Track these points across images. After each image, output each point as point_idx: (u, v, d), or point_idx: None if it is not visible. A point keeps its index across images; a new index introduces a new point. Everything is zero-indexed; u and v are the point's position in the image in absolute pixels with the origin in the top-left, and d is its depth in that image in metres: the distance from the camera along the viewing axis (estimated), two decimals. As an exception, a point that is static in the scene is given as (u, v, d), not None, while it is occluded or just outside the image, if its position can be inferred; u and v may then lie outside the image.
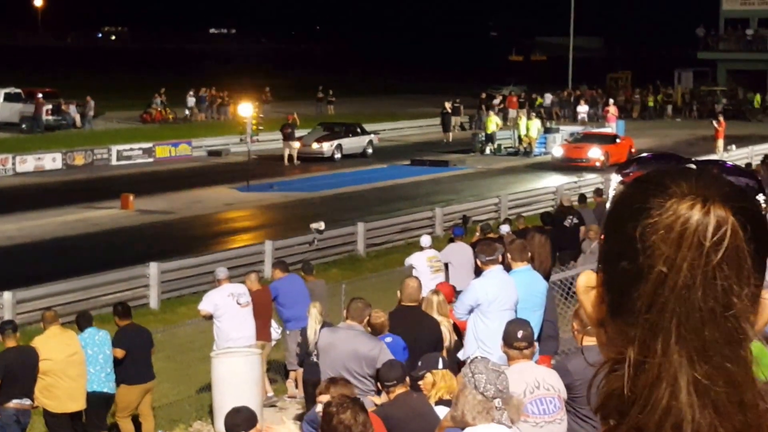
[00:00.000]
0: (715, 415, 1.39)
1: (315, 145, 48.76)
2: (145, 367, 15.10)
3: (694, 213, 1.41)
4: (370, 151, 50.94)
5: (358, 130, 51.60)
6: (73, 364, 14.07)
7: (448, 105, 58.56)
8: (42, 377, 13.89)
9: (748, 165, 34.44)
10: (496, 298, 11.57)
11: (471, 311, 11.82)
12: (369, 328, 11.36)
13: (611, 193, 1.57)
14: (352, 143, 50.29)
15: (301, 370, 15.35)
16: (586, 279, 1.54)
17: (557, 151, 47.24)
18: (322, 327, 14.21)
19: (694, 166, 1.51)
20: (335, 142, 49.33)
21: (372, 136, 52.02)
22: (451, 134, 57.65)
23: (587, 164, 44.26)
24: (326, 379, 9.29)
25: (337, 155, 49.02)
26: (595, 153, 45.21)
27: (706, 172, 1.48)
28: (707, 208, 1.41)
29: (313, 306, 14.61)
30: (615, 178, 1.61)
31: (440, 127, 59.15)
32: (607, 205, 1.53)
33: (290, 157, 47.96)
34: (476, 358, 7.16)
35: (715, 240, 1.40)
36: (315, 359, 14.48)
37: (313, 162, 47.81)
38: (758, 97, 74.49)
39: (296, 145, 48.08)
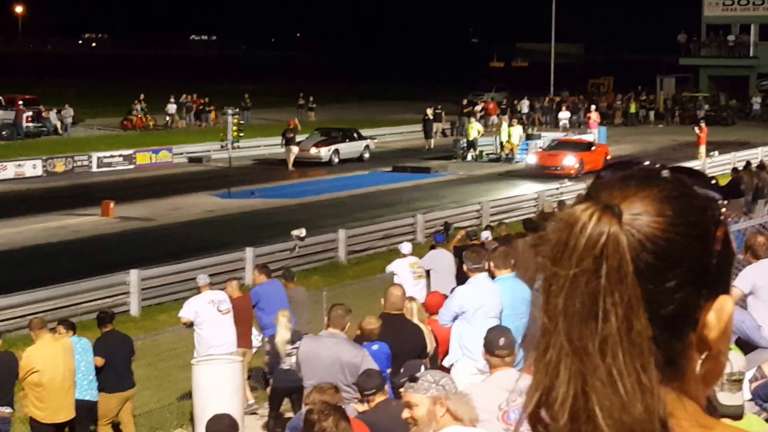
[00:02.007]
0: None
1: (313, 150, 49.24)
2: (124, 375, 15.04)
3: (579, 222, 1.40)
4: (367, 155, 51.42)
5: (355, 135, 52.26)
6: (65, 375, 14.00)
7: (429, 111, 58.65)
8: (34, 387, 13.82)
9: (734, 170, 34.47)
10: (481, 305, 11.56)
11: (455, 318, 11.81)
12: (359, 332, 11.35)
13: None
14: (349, 148, 50.80)
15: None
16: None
17: (531, 159, 46.62)
18: (293, 335, 14.20)
19: (634, 173, 1.47)
20: (332, 147, 49.87)
21: (368, 141, 52.63)
22: (432, 141, 57.69)
23: (562, 172, 43.64)
24: (314, 386, 9.27)
25: (335, 160, 49.51)
26: (570, 161, 44.55)
27: (634, 179, 1.45)
28: (597, 217, 1.40)
29: (281, 314, 14.60)
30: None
31: (421, 133, 59.23)
32: None
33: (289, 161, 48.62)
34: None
35: (592, 247, 1.39)
36: (284, 366, 14.49)
37: (310, 167, 48.24)
38: (735, 101, 75.19)
39: (295, 150, 48.61)
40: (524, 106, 71.94)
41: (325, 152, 49.42)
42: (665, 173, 1.47)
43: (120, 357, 14.93)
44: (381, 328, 11.92)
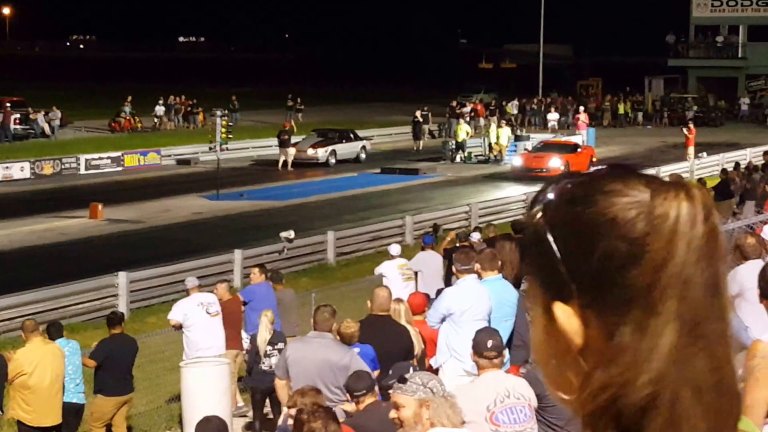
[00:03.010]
0: (695, 396, 1.42)
1: (310, 151, 49.60)
2: (122, 379, 14.97)
3: (682, 202, 1.44)
4: (363, 156, 51.73)
5: (351, 135, 52.65)
6: (53, 379, 13.96)
7: (418, 113, 58.69)
8: (21, 390, 13.79)
9: (723, 171, 34.54)
10: (469, 307, 11.55)
11: (443, 320, 11.80)
12: (338, 337, 11.33)
13: (537, 219, 1.53)
14: (345, 149, 51.19)
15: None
16: (565, 309, 1.48)
17: (516, 161, 46.48)
18: (272, 337, 14.19)
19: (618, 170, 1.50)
20: (329, 148, 50.24)
21: (365, 141, 52.97)
22: (421, 142, 57.72)
23: (547, 174, 43.39)
24: (296, 389, 9.25)
25: (332, 161, 49.84)
26: (555, 163, 44.25)
27: (632, 168, 1.50)
28: (691, 196, 1.44)
29: (264, 315, 14.59)
30: (537, 207, 1.57)
31: (410, 134, 59.27)
32: (549, 235, 1.48)
33: (285, 163, 48.80)
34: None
35: (705, 223, 1.44)
36: (263, 367, 14.51)
37: (307, 167, 48.52)
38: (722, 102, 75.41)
39: (292, 151, 48.97)
40: (514, 107, 71.97)
41: (322, 153, 49.77)
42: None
43: (121, 361, 14.88)
44: (367, 329, 11.90)
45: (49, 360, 13.93)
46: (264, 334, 14.35)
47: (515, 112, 71.19)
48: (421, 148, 56.73)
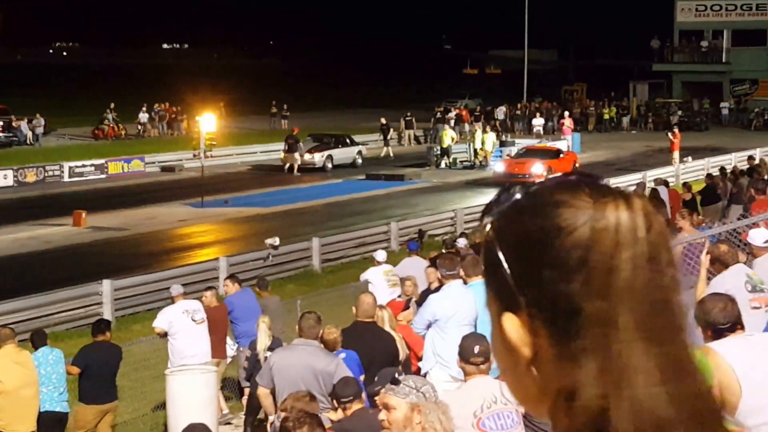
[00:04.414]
0: (671, 404, 1.40)
1: (307, 156, 49.78)
2: (104, 387, 14.84)
3: (622, 212, 1.43)
4: (359, 161, 51.90)
5: (347, 140, 52.87)
6: (26, 385, 13.85)
7: (383, 119, 59.24)
8: (-7, 397, 13.68)
9: (709, 176, 34.61)
10: (454, 313, 11.53)
11: (429, 326, 11.77)
12: (322, 344, 11.29)
13: (487, 230, 1.51)
14: (342, 154, 51.55)
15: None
16: (513, 319, 1.48)
17: (499, 167, 46.15)
18: (272, 343, 14.12)
19: (572, 178, 1.51)
20: (326, 153, 50.60)
21: (361, 147, 53.23)
22: (390, 149, 57.72)
23: (530, 180, 43.30)
24: (290, 394, 9.20)
25: (328, 166, 50.14)
26: (538, 168, 43.90)
27: (584, 177, 1.49)
28: (631, 205, 1.44)
29: (261, 320, 14.53)
30: (487, 220, 1.55)
31: (393, 140, 59.46)
32: (497, 246, 1.49)
33: (291, 167, 49.22)
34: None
35: (649, 231, 1.44)
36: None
37: (304, 172, 48.81)
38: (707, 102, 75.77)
39: (298, 156, 49.31)
40: (500, 113, 72.04)
41: (318, 158, 50.07)
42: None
43: (102, 368, 14.76)
44: (353, 336, 11.87)
45: (21, 366, 13.81)
46: (264, 340, 14.27)
47: (502, 117, 71.29)
48: (391, 155, 56.49)
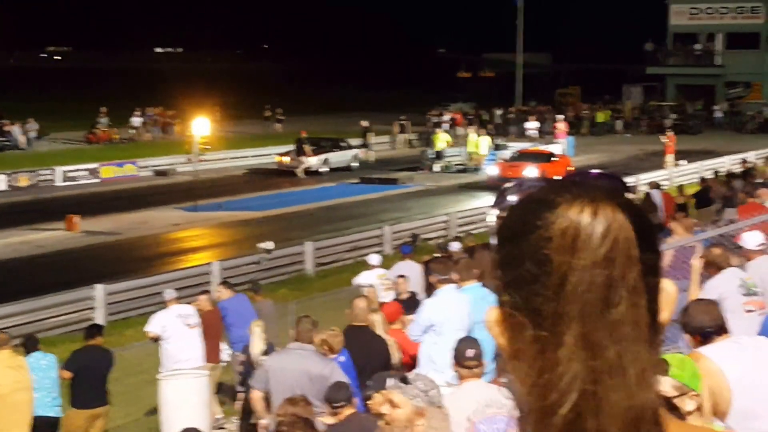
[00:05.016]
0: (598, 413, 1.43)
1: (303, 159, 49.87)
2: (94, 392, 14.78)
3: (584, 216, 1.45)
4: (356, 164, 51.93)
5: (343, 144, 53.00)
6: (20, 390, 13.80)
7: (363, 122, 59.02)
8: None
9: (702, 179, 34.60)
10: (449, 317, 11.51)
11: (425, 332, 11.76)
12: (326, 347, 11.28)
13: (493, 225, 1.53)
14: (338, 157, 51.65)
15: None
16: (495, 313, 1.52)
17: (492, 170, 46.20)
18: (267, 348, 14.10)
19: (574, 178, 1.55)
20: (323, 156, 50.67)
21: (357, 150, 53.35)
22: (371, 152, 57.61)
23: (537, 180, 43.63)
24: (286, 398, 9.18)
25: (325, 169, 50.20)
26: (531, 172, 43.93)
27: (582, 178, 1.53)
28: (595, 209, 1.46)
29: (255, 325, 14.50)
30: (494, 212, 1.57)
31: (386, 144, 59.44)
32: (493, 240, 1.54)
33: (293, 170, 49.49)
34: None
35: (607, 236, 1.45)
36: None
37: (289, 176, 48.83)
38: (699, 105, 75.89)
39: (305, 159, 49.63)
40: (496, 116, 72.07)
41: (315, 161, 50.09)
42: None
43: (93, 372, 14.70)
44: (347, 340, 11.86)
45: (14, 372, 13.76)
46: (259, 345, 14.24)
47: (499, 121, 71.31)
48: (372, 159, 56.18)
